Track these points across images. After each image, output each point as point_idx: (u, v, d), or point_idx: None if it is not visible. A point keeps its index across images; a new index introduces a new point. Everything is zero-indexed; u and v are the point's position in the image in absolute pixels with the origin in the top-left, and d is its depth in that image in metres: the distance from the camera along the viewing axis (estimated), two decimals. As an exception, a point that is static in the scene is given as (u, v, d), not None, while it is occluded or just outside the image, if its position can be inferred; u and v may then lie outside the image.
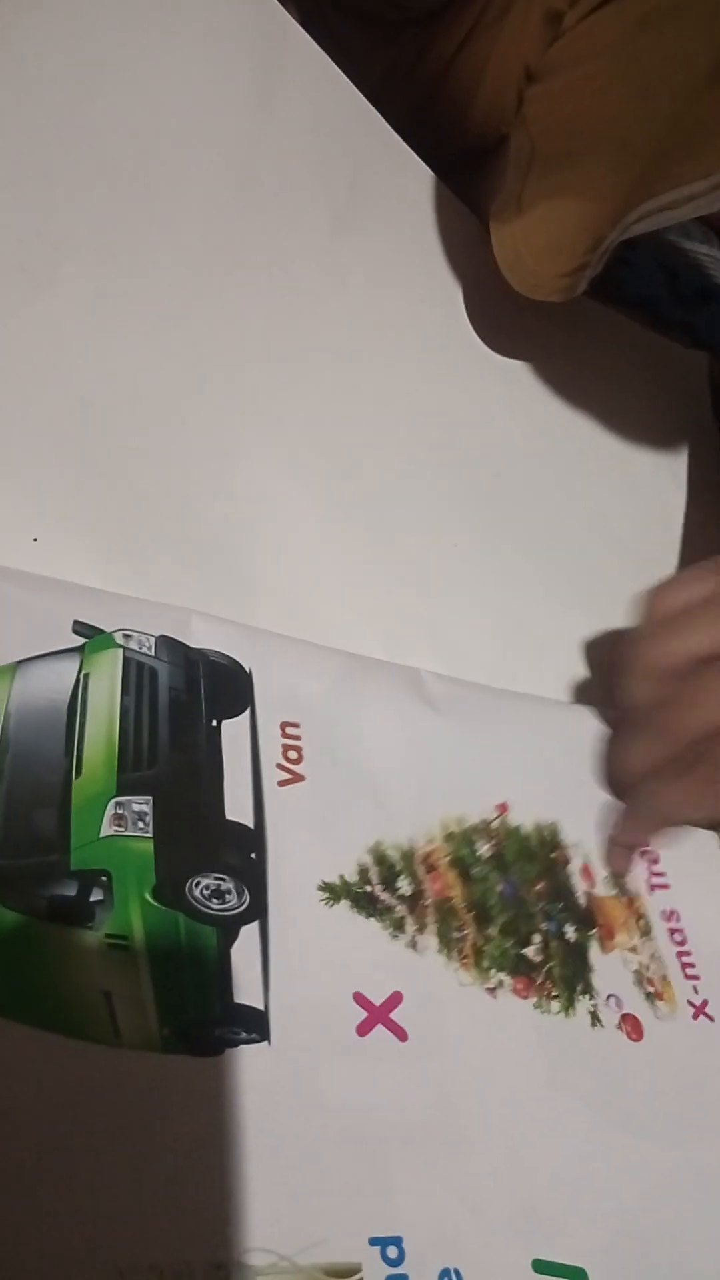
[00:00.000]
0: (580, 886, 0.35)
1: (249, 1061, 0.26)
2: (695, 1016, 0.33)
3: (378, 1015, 0.29)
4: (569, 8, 0.45)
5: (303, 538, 0.38)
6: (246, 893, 0.29)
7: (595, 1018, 0.32)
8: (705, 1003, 0.33)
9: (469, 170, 0.54)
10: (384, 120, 0.48)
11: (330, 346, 0.43)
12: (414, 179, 0.50)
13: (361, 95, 0.47)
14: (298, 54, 0.45)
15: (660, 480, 0.52)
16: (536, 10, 0.47)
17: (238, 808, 0.30)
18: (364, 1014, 0.28)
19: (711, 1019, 0.33)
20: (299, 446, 0.40)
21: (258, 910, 0.29)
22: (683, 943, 0.35)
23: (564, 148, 0.46)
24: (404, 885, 0.31)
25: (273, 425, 0.40)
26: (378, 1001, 0.29)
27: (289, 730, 0.32)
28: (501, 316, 0.50)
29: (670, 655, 0.35)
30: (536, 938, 0.33)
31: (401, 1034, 0.29)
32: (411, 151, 0.50)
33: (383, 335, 0.46)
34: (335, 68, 0.46)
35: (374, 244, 0.47)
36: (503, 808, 0.35)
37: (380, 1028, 0.28)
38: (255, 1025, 0.27)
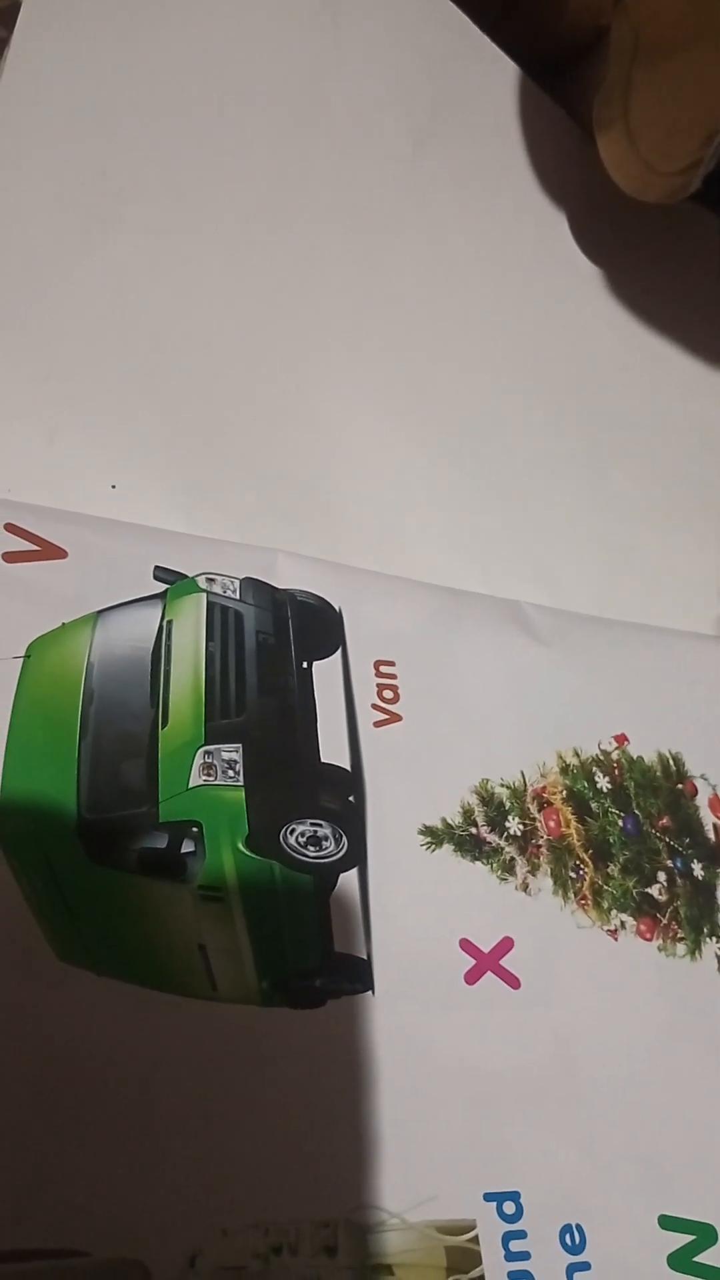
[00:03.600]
0: (709, 820, 0.33)
1: (353, 1012, 0.25)
2: None
3: (486, 962, 0.27)
4: None
5: (391, 470, 0.36)
6: (345, 838, 0.28)
7: (725, 960, 0.30)
8: None
9: (564, 71, 0.50)
10: (467, 18, 0.45)
11: (415, 268, 0.41)
12: (503, 83, 0.47)
13: (438, -3, 0.44)
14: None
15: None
16: None
17: (334, 750, 0.29)
18: (472, 961, 0.27)
19: None
20: (385, 375, 0.38)
21: (357, 856, 0.28)
22: None
23: (671, 33, 0.42)
24: (513, 825, 0.30)
25: (356, 355, 0.38)
26: (486, 948, 0.27)
27: (383, 669, 0.31)
28: (603, 227, 0.47)
29: None
30: (661, 876, 0.31)
31: (514, 981, 0.27)
32: (500, 51, 0.46)
33: (473, 253, 0.43)
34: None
35: (460, 157, 0.44)
36: (621, 739, 0.33)
37: (490, 975, 0.27)
38: (358, 975, 0.26)
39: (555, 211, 0.46)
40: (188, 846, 0.26)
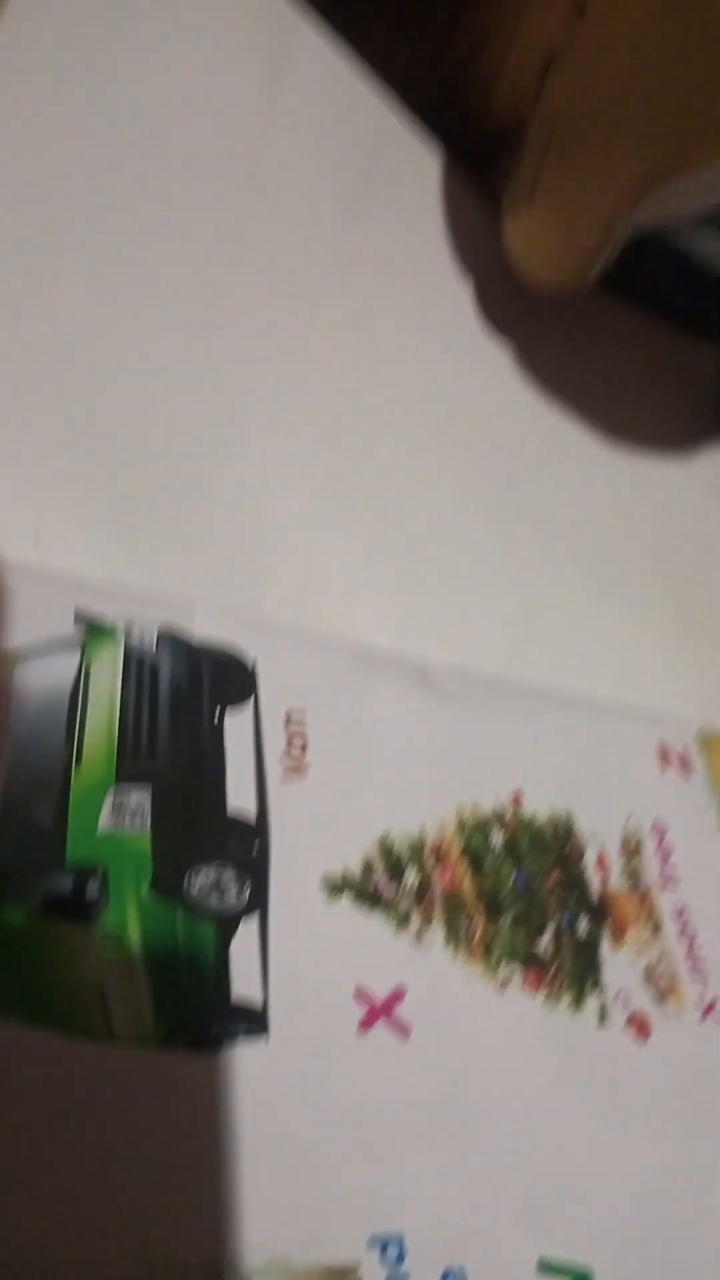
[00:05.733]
0: (594, 879, 0.34)
1: (247, 1058, 0.26)
2: (703, 1017, 0.32)
3: (380, 1011, 0.28)
4: (596, -8, 0.44)
5: (309, 525, 0.38)
6: (247, 887, 0.28)
7: (603, 1015, 0.31)
8: (713, 1004, 0.33)
9: (486, 162, 0.53)
10: (397, 108, 0.48)
11: (337, 335, 0.43)
12: (427, 170, 0.49)
13: (373, 86, 0.47)
14: (307, 45, 0.45)
15: (669, 472, 0.51)
16: (562, -3, 0.46)
17: (241, 799, 0.30)
18: (366, 1010, 0.28)
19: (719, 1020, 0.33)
20: (306, 434, 0.40)
21: (258, 904, 0.28)
22: (692, 942, 0.34)
23: (582, 132, 0.45)
24: (410, 877, 0.31)
25: (280, 413, 0.39)
26: (380, 997, 0.28)
27: (294, 721, 0.32)
28: (511, 310, 0.49)
29: None
30: (548, 931, 0.32)
31: (405, 1029, 0.28)
32: (425, 142, 0.49)
33: (391, 324, 0.45)
34: (345, 59, 0.46)
35: (384, 235, 0.46)
36: (517, 797, 0.34)
37: (382, 1023, 0.28)
38: (253, 1021, 0.27)
39: (472, 292, 0.49)
40: (92, 889, 0.26)
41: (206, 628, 0.33)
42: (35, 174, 0.37)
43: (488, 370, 0.47)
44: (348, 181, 0.46)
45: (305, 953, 0.28)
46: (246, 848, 0.29)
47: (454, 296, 0.48)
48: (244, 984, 0.27)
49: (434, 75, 0.54)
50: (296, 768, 0.31)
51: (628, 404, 0.52)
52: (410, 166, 0.48)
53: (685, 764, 0.38)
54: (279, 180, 0.44)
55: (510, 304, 0.49)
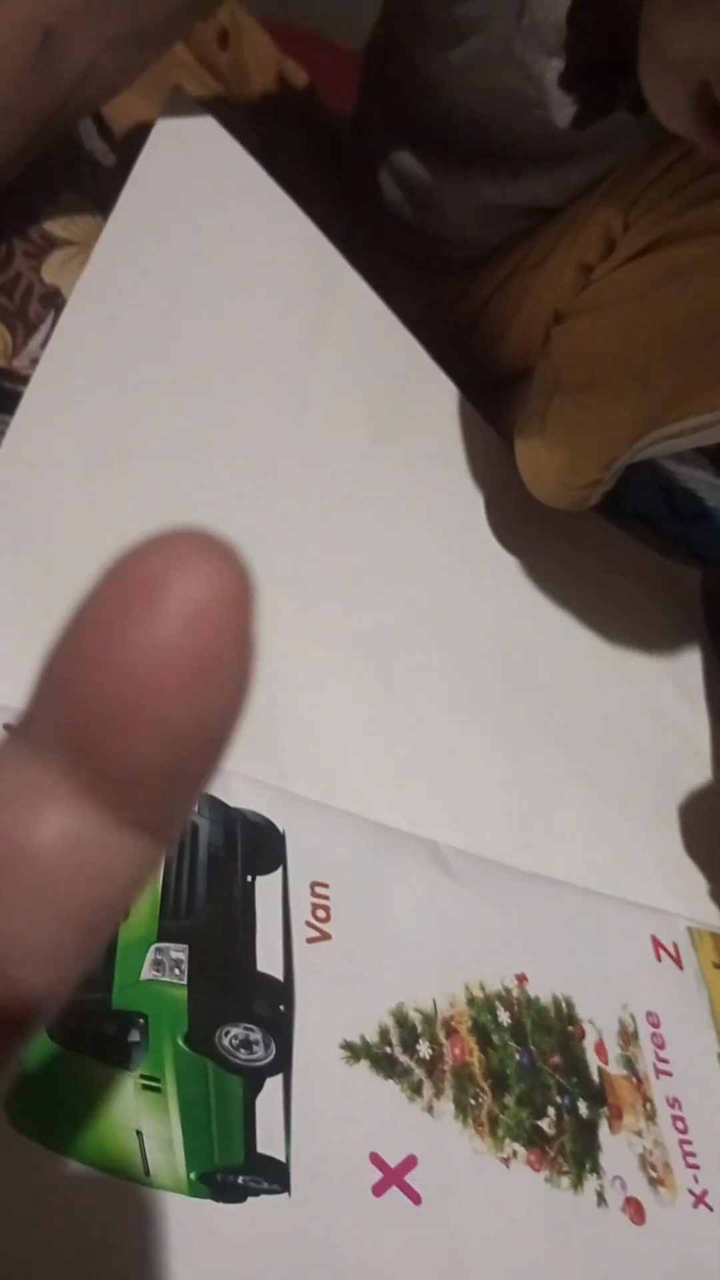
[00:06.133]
0: (594, 1063, 0.36)
1: (268, 1212, 0.27)
2: (695, 1205, 0.33)
3: (393, 1177, 0.29)
4: (600, 260, 0.52)
5: (335, 714, 0.41)
6: (273, 1045, 0.30)
7: (601, 1198, 0.32)
8: (705, 1192, 0.34)
9: (496, 395, 0.60)
10: (422, 348, 0.54)
11: (363, 539, 0.47)
12: (445, 400, 0.56)
13: (403, 326, 0.53)
14: (350, 289, 0.52)
15: (653, 676, 0.55)
16: (571, 261, 0.53)
17: (269, 961, 0.32)
18: (380, 1174, 0.29)
19: (710, 1208, 0.34)
20: (333, 632, 0.43)
21: (283, 1063, 0.30)
22: (684, 1130, 0.35)
23: (585, 378, 0.51)
24: (423, 1048, 0.32)
25: (311, 610, 0.43)
26: (393, 1163, 0.29)
27: (318, 890, 0.34)
28: (516, 523, 0.55)
29: None
30: (551, 1110, 0.33)
31: (415, 1197, 0.29)
32: (444, 376, 0.55)
33: (410, 532, 0.50)
34: (381, 302, 0.52)
35: (406, 453, 0.52)
36: (521, 978, 0.36)
37: (395, 1189, 0.29)
38: (276, 1176, 0.28)
39: (479, 505, 0.54)
40: (134, 1036, 0.28)
41: (241, 797, 0.35)
42: (107, 402, 0.42)
43: (494, 579, 0.52)
44: (379, 404, 0.51)
45: (325, 1114, 0.29)
46: (273, 1007, 0.31)
47: (466, 511, 0.53)
48: (268, 1139, 0.28)
49: (453, 315, 0.62)
50: (320, 935, 0.33)
51: (620, 614, 0.56)
52: (432, 395, 0.54)
53: (677, 956, 0.40)
54: (321, 400, 0.49)
55: (516, 519, 0.54)
